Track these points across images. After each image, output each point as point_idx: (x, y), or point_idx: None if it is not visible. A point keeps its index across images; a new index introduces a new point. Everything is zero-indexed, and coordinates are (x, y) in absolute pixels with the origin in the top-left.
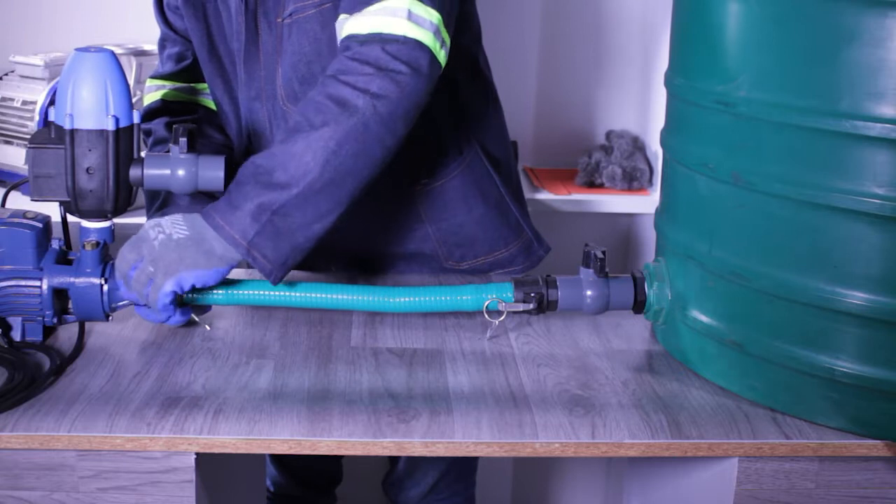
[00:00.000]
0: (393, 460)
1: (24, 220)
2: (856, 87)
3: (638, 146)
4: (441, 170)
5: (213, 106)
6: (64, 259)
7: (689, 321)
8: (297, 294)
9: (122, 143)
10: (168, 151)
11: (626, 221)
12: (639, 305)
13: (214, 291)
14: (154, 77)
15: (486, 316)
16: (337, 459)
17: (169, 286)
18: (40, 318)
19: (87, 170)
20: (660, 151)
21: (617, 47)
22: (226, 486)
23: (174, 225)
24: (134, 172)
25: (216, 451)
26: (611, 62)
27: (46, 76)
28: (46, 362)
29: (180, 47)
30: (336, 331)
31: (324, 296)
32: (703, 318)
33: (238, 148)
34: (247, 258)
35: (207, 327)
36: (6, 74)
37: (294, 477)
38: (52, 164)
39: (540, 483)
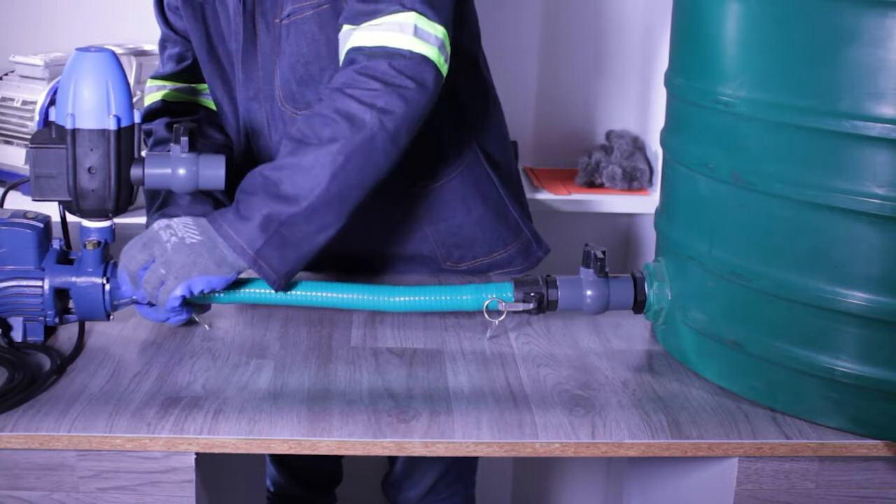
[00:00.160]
0: (392, 461)
1: (25, 221)
2: (856, 87)
3: (638, 146)
4: (440, 171)
5: (213, 106)
6: (65, 259)
7: (689, 321)
8: (298, 293)
9: (124, 142)
10: (169, 151)
11: (626, 221)
12: (639, 305)
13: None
14: (155, 77)
15: (486, 316)
16: (337, 459)
17: (180, 290)
18: (42, 318)
19: (89, 169)
20: (660, 151)
21: (617, 47)
22: (226, 486)
23: (186, 228)
24: (135, 172)
25: (216, 451)
26: (611, 62)
27: (46, 76)
28: (46, 362)
29: (181, 48)
30: (336, 331)
31: (324, 294)
32: (703, 318)
33: (236, 148)
34: (252, 267)
35: (207, 327)
36: (6, 74)
37: (294, 477)
38: (54, 163)
39: (540, 483)
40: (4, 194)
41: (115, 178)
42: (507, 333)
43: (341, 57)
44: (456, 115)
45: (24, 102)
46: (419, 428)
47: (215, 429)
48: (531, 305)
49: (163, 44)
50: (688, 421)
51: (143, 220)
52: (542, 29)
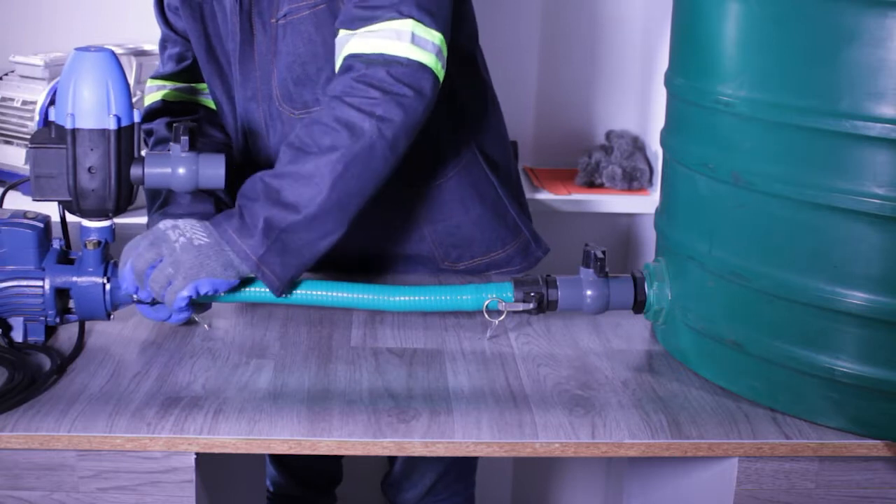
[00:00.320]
0: (392, 461)
1: (25, 221)
2: (856, 87)
3: (638, 146)
4: (438, 171)
5: (213, 106)
6: (65, 259)
7: (689, 321)
8: (299, 293)
9: (124, 142)
10: (169, 150)
11: (626, 221)
12: (639, 305)
13: None
14: (155, 77)
15: (486, 316)
16: (337, 459)
17: (187, 291)
18: (42, 318)
19: (89, 169)
20: (660, 151)
21: (617, 47)
22: (226, 486)
23: (193, 230)
24: (135, 171)
25: (216, 451)
26: (611, 62)
27: (46, 76)
28: (47, 362)
29: (181, 48)
30: (336, 331)
31: (324, 294)
32: (703, 318)
33: (235, 148)
34: (255, 273)
35: (207, 326)
36: (6, 74)
37: (294, 477)
38: (54, 163)
39: (540, 483)
40: (4, 194)
41: (115, 177)
42: (507, 333)
43: (338, 62)
44: (454, 116)
45: (24, 102)
46: (419, 428)
47: (215, 429)
48: (531, 305)
49: (163, 44)
50: (688, 421)
51: (143, 219)
52: (542, 29)
